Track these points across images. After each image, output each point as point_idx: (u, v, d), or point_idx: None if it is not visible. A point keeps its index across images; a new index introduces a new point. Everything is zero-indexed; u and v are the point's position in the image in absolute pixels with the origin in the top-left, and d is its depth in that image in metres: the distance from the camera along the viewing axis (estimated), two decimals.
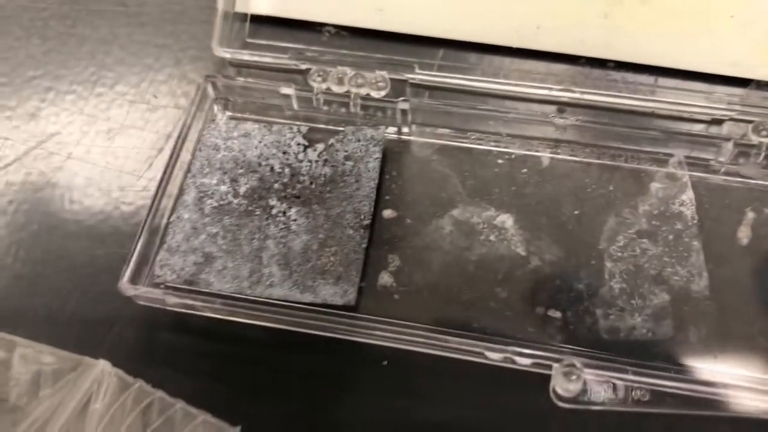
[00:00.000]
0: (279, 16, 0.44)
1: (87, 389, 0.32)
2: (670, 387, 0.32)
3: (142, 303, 0.36)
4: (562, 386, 0.31)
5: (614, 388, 0.32)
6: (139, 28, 0.47)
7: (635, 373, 0.32)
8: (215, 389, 0.34)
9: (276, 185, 0.39)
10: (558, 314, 0.35)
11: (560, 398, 0.31)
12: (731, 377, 0.33)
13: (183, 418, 0.32)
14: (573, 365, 0.31)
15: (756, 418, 0.32)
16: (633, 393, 0.32)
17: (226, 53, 0.43)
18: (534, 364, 0.33)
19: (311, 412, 0.34)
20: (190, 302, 0.35)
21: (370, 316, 0.35)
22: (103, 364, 0.32)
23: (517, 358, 0.33)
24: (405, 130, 0.41)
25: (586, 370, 0.32)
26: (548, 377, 0.32)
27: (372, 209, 0.38)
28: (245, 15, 0.44)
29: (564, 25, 0.41)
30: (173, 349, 0.36)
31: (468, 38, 0.43)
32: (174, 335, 0.36)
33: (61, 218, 0.40)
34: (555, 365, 0.32)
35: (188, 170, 0.40)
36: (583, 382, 0.31)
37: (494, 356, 0.33)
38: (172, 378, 0.33)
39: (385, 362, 0.35)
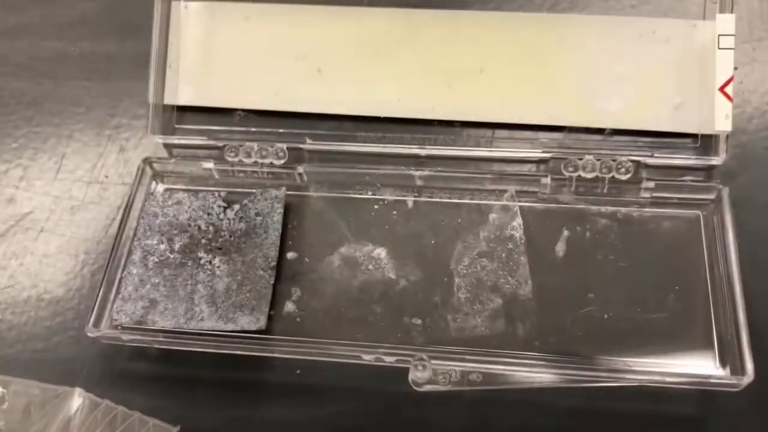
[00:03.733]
0: (199, 105, 0.51)
1: (66, 412, 0.37)
2: (499, 370, 0.40)
3: (105, 341, 0.44)
4: (415, 375, 0.40)
5: (456, 374, 0.40)
6: (90, 123, 0.54)
7: (469, 361, 0.40)
8: (163, 402, 0.42)
9: (203, 240, 0.47)
10: (419, 321, 0.44)
11: (416, 384, 0.40)
12: (549, 360, 0.40)
13: (139, 424, 0.39)
14: (422, 359, 0.40)
15: (568, 387, 0.39)
16: (470, 377, 0.40)
17: (159, 139, 0.50)
18: (398, 361, 0.41)
19: (240, 412, 0.43)
20: (140, 338, 0.43)
21: (278, 337, 0.43)
22: (78, 391, 0.38)
23: (385, 357, 0.41)
24: (303, 188, 0.49)
25: (433, 362, 0.40)
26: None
27: (277, 253, 0.46)
28: (173, 106, 0.51)
29: (418, 96, 0.49)
30: (130, 374, 0.44)
31: (346, 112, 0.50)
32: (130, 364, 0.45)
33: (40, 279, 0.48)
34: (411, 360, 0.40)
35: (135, 234, 0.47)
36: (431, 371, 0.40)
37: (368, 357, 0.41)
38: (130, 396, 0.40)
39: (299, 371, 0.43)
